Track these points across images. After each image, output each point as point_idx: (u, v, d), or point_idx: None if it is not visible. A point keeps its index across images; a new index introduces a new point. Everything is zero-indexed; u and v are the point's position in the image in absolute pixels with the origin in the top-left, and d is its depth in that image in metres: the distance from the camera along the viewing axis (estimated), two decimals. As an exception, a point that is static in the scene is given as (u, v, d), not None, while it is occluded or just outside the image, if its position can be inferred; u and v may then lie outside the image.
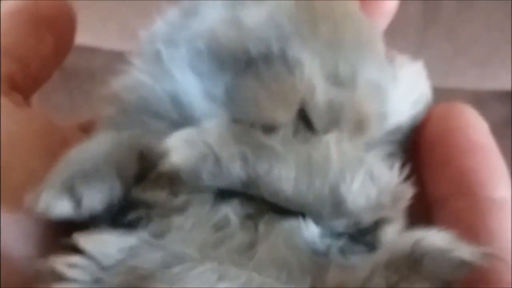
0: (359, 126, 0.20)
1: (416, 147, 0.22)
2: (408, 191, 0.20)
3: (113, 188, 0.19)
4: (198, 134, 0.19)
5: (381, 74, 0.21)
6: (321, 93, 0.20)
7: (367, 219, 0.19)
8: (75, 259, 0.18)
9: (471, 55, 0.53)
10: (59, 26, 0.23)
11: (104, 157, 0.19)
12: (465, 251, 0.18)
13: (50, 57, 0.23)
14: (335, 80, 0.20)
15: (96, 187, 0.19)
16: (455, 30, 0.51)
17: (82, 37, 0.51)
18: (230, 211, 0.19)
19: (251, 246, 0.19)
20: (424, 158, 0.21)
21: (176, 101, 0.21)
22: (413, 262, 0.18)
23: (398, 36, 0.51)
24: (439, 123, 0.21)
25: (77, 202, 0.19)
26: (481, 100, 0.59)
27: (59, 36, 0.23)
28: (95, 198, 0.19)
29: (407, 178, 0.20)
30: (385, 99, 0.21)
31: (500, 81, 0.56)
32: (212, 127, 0.19)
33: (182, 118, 0.21)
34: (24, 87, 0.22)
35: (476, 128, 0.21)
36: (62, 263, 0.18)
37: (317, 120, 0.20)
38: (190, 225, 0.19)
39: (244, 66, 0.20)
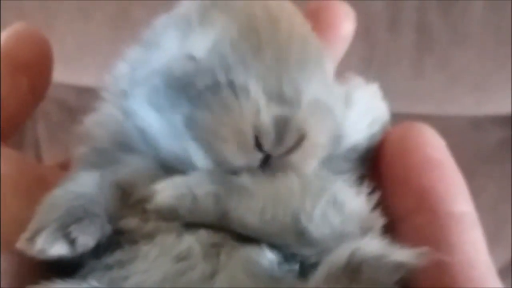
0: (302, 140, 0.21)
1: (377, 166, 0.22)
2: (378, 221, 0.21)
3: (103, 226, 0.20)
4: (182, 179, 0.21)
5: (328, 93, 0.22)
6: (265, 113, 0.20)
7: (335, 247, 0.20)
8: None
9: (466, 83, 0.54)
10: (35, 69, 0.24)
11: (91, 198, 0.21)
12: (400, 254, 0.19)
13: (26, 98, 0.24)
14: (280, 99, 0.21)
15: (89, 228, 0.20)
16: (449, 59, 0.52)
17: (87, 78, 0.53)
18: (195, 241, 0.20)
19: (212, 275, 0.20)
20: (385, 176, 0.22)
21: (144, 135, 0.22)
22: (351, 272, 0.19)
23: (393, 67, 0.52)
24: (398, 142, 0.22)
25: (72, 243, 0.20)
26: (479, 125, 0.60)
27: (35, 78, 0.24)
28: (88, 238, 0.20)
29: (376, 204, 0.21)
30: (335, 117, 0.22)
31: (496, 106, 0.57)
32: (195, 173, 0.21)
33: (152, 151, 0.22)
34: (2, 128, 0.23)
35: (433, 146, 0.22)
36: None
37: (265, 139, 0.20)
38: (156, 254, 0.20)
39: (196, 98, 0.21)
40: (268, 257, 0.20)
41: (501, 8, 0.50)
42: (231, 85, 0.21)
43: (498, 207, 0.59)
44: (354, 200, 0.21)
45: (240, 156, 0.20)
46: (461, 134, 0.58)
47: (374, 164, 0.22)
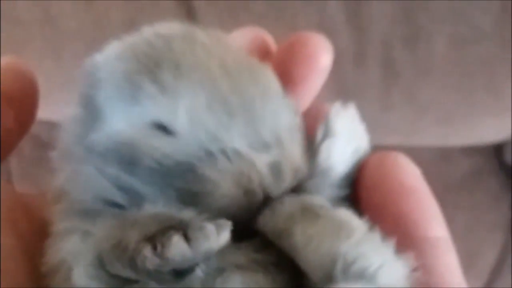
0: (298, 173, 0.22)
1: (356, 193, 0.23)
2: None
3: None
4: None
5: (292, 112, 0.23)
6: (261, 166, 0.21)
7: None
8: None
9: (433, 115, 0.55)
10: (21, 101, 0.25)
11: (93, 260, 0.21)
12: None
13: (12, 130, 0.25)
14: (264, 146, 0.22)
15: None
16: (415, 93, 0.53)
17: (59, 114, 0.53)
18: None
19: None
20: (363, 202, 0.23)
21: (121, 188, 0.22)
22: None
23: (360, 100, 0.53)
24: (375, 170, 0.23)
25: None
26: (447, 156, 0.61)
27: (21, 110, 0.25)
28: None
29: None
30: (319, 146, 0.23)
31: (463, 137, 0.58)
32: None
33: (131, 203, 0.22)
34: None
35: (408, 173, 0.22)
36: None
37: (268, 188, 0.21)
38: None
39: (185, 171, 0.21)
40: None
41: (464, 42, 0.51)
42: (223, 151, 0.21)
43: (468, 236, 0.60)
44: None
45: (248, 213, 0.21)
46: (430, 165, 0.59)
47: (353, 191, 0.23)
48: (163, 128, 0.21)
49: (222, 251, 0.20)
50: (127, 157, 0.21)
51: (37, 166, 0.61)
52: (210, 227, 0.20)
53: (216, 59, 0.22)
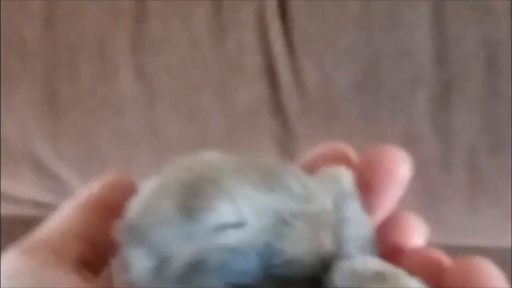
0: None
1: None
2: None
3: None
4: None
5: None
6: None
7: None
8: None
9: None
10: (125, 209, 0.26)
11: None
12: None
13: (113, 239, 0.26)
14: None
15: None
16: (501, 198, 0.54)
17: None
18: None
19: None
20: None
21: None
22: None
23: (447, 203, 0.55)
24: (459, 275, 0.23)
25: None
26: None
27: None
28: None
29: None
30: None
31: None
32: None
33: None
34: (93, 263, 0.25)
35: (493, 277, 0.23)
36: None
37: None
38: None
39: None
40: None
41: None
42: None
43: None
44: None
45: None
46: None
47: None
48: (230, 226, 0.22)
49: None
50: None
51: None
52: None
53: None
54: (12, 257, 0.25)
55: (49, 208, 0.64)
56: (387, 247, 0.25)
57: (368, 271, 0.22)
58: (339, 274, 0.22)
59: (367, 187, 0.25)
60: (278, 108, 0.54)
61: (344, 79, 0.52)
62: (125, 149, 0.58)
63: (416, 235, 0.26)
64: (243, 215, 0.22)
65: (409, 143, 0.54)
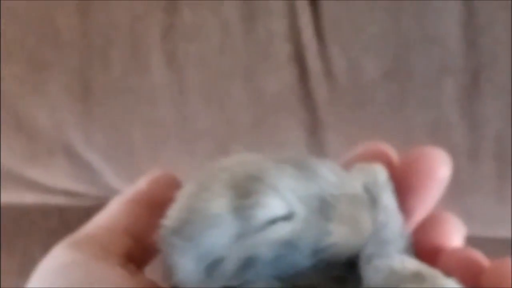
0: None
1: None
2: None
3: None
4: None
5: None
6: None
7: None
8: None
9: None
10: (167, 212, 0.26)
11: None
12: None
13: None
14: None
15: None
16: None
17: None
18: None
19: None
20: None
21: None
22: None
23: (474, 193, 0.55)
24: (494, 275, 0.23)
25: None
26: None
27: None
28: None
29: None
30: None
31: None
32: None
33: None
34: (138, 258, 0.26)
35: None
36: None
37: None
38: None
39: None
40: None
41: None
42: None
43: None
44: None
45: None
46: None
47: None
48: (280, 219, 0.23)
49: None
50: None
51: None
52: None
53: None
54: (60, 251, 0.25)
55: (82, 197, 0.65)
56: (425, 247, 0.25)
57: (406, 270, 0.22)
58: (376, 273, 0.23)
59: (407, 187, 0.25)
60: (306, 96, 0.54)
61: (373, 67, 0.53)
62: (155, 138, 0.58)
63: (455, 235, 0.26)
64: (291, 206, 0.23)
65: (437, 131, 0.54)
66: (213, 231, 0.22)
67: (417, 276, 0.22)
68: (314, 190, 0.23)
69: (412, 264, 0.22)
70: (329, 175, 0.24)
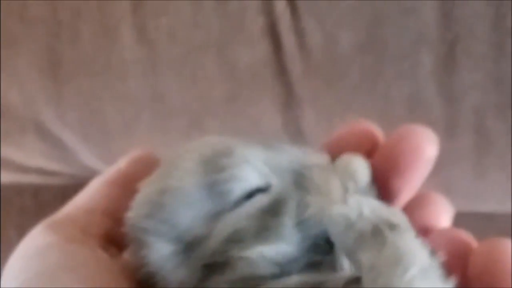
0: None
1: (462, 280, 0.23)
2: None
3: None
4: None
5: None
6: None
7: None
8: None
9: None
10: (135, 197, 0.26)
11: None
12: None
13: None
14: None
15: None
16: (508, 160, 0.54)
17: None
18: None
19: None
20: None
21: None
22: None
23: (453, 168, 0.54)
24: (484, 257, 0.23)
25: None
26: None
27: None
28: None
29: None
30: None
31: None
32: None
33: None
34: (119, 240, 0.25)
35: None
36: None
37: None
38: None
39: None
40: None
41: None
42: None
43: None
44: None
45: None
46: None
47: (461, 277, 0.23)
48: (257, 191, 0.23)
49: None
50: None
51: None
52: None
53: None
54: (38, 233, 0.25)
55: (56, 176, 0.64)
56: (414, 228, 0.24)
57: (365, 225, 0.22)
58: (334, 225, 0.22)
59: (394, 168, 0.25)
60: (281, 70, 0.53)
61: (348, 39, 0.52)
62: (128, 114, 0.57)
63: (442, 216, 0.26)
64: (266, 177, 0.22)
65: (414, 104, 0.53)
66: (188, 210, 0.21)
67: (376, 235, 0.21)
68: (285, 164, 0.23)
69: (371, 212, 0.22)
70: (296, 152, 0.23)
